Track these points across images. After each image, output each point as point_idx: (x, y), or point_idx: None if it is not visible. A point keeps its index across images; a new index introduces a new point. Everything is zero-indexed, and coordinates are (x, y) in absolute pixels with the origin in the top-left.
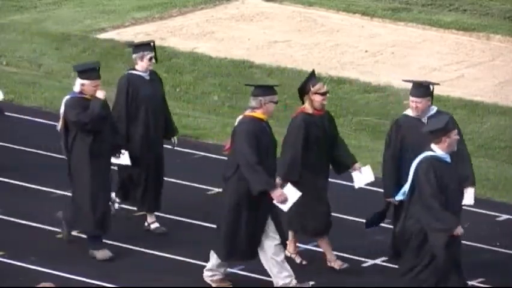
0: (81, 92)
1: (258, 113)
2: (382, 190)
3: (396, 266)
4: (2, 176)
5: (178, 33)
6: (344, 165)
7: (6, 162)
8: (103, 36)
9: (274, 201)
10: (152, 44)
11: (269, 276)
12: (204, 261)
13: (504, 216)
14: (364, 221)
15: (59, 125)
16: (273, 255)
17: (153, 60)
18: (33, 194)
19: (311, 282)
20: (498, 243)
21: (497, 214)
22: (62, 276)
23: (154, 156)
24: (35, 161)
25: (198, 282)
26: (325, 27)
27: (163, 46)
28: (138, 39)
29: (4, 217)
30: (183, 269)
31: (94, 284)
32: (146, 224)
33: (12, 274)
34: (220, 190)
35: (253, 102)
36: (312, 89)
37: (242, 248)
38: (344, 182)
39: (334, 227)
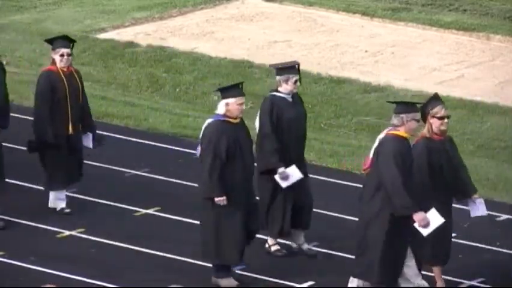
0: (226, 115)
1: (401, 132)
2: None
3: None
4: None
5: (178, 33)
6: (465, 193)
7: (7, 162)
8: (103, 36)
9: (416, 224)
10: (297, 66)
11: (269, 276)
12: (204, 261)
13: (504, 216)
14: None
15: (198, 152)
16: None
17: (298, 83)
18: (34, 194)
19: (311, 282)
20: (498, 243)
21: (497, 214)
22: (62, 276)
23: (303, 179)
24: (35, 161)
25: (198, 282)
26: (325, 27)
27: (163, 46)
28: (138, 39)
29: (4, 217)
30: (183, 269)
31: (94, 284)
32: None
33: (12, 274)
34: None
35: (395, 120)
36: (430, 111)
37: (398, 271)
38: (345, 183)
39: (335, 228)
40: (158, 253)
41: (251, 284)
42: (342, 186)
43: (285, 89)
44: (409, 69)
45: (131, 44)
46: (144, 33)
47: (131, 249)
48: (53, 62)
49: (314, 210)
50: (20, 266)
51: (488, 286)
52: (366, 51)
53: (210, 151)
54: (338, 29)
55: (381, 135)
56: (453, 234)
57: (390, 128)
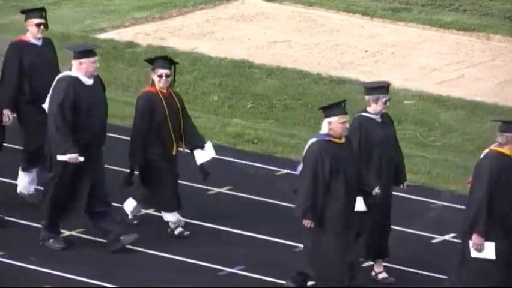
0: (329, 134)
1: (505, 149)
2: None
3: (396, 266)
4: (2, 176)
5: (178, 33)
6: None
7: (7, 162)
8: (103, 36)
9: (470, 244)
10: (387, 86)
11: (269, 276)
12: (204, 261)
13: None
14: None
15: (299, 170)
16: None
17: (388, 103)
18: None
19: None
20: None
21: None
22: (62, 276)
23: (385, 201)
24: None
25: (198, 282)
26: (325, 27)
27: (163, 46)
28: (138, 39)
29: (4, 217)
30: (183, 269)
31: (94, 284)
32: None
33: (12, 274)
34: (221, 190)
35: (499, 138)
36: None
37: None
38: None
39: None
40: (158, 253)
41: (251, 284)
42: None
43: (374, 109)
44: (409, 69)
45: (131, 44)
46: (144, 33)
47: (132, 249)
48: (153, 83)
49: None
50: (20, 266)
51: (488, 286)
52: (366, 51)
53: (310, 172)
54: (338, 29)
55: (486, 151)
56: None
57: (496, 143)
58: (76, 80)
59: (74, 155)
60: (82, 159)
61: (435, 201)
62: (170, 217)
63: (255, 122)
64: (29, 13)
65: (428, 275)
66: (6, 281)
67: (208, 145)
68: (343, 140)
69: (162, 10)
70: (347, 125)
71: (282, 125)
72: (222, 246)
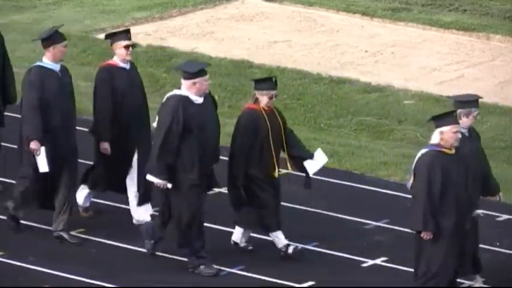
0: (440, 145)
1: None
2: (382, 190)
3: (396, 266)
4: (2, 176)
5: (178, 33)
6: None
7: (7, 162)
8: (103, 36)
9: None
10: (477, 99)
11: (269, 276)
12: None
13: (504, 216)
14: (363, 220)
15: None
16: None
17: (477, 117)
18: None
19: (311, 282)
20: (498, 243)
21: (497, 214)
22: (62, 276)
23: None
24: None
25: (198, 282)
26: (325, 27)
27: (163, 46)
28: (138, 39)
29: (4, 217)
30: (183, 269)
31: (94, 284)
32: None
33: (12, 274)
34: (221, 190)
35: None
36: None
37: None
38: (345, 183)
39: (334, 227)
40: (158, 253)
41: (251, 284)
42: (342, 186)
43: (465, 122)
44: (409, 69)
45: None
46: (144, 33)
47: (131, 249)
48: (256, 101)
49: (315, 210)
50: (20, 266)
51: (488, 286)
52: (366, 51)
53: (423, 185)
54: (338, 29)
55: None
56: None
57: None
58: (185, 98)
59: (162, 182)
60: (169, 186)
61: None
62: (274, 237)
63: None
64: (115, 36)
65: None
66: (6, 281)
67: (318, 152)
68: (453, 151)
69: (162, 10)
70: (459, 135)
71: None
72: (222, 246)
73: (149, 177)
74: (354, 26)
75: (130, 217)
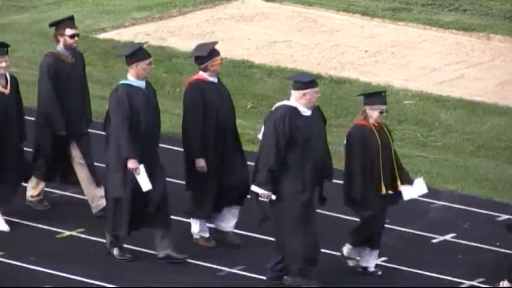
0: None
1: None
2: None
3: (396, 266)
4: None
5: (178, 33)
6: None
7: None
8: (103, 36)
9: None
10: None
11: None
12: (204, 261)
13: (504, 216)
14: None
15: None
16: None
17: None
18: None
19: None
20: (498, 243)
21: (497, 214)
22: (62, 276)
23: None
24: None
25: (198, 282)
26: (325, 27)
27: (163, 46)
28: (138, 40)
29: (4, 217)
30: (183, 269)
31: (94, 284)
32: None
33: (12, 274)
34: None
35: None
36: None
37: None
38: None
39: (334, 227)
40: (158, 254)
41: (251, 284)
42: (342, 186)
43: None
44: (409, 69)
45: (131, 44)
46: (144, 33)
47: (131, 249)
48: (366, 116)
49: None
50: (20, 266)
51: (488, 286)
52: (366, 51)
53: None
54: (338, 29)
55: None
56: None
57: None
58: (293, 110)
59: (267, 193)
60: (274, 197)
61: (435, 201)
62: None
63: (255, 122)
64: (212, 52)
65: (428, 275)
66: (6, 281)
67: (419, 181)
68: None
69: (162, 10)
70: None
71: None
72: (222, 246)
73: (254, 188)
74: (354, 26)
75: None
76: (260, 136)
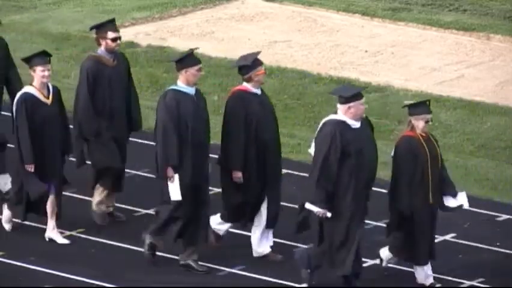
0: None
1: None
2: (382, 190)
3: (396, 266)
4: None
5: (178, 33)
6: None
7: (6, 162)
8: None
9: None
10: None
11: (269, 276)
12: (204, 261)
13: (504, 216)
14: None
15: None
16: None
17: None
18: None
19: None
20: (498, 243)
21: (497, 214)
22: (62, 276)
23: None
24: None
25: (198, 282)
26: (325, 27)
27: (163, 46)
28: (138, 40)
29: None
30: (183, 269)
31: (94, 284)
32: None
33: (12, 274)
34: (221, 190)
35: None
36: None
37: None
38: None
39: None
40: (158, 253)
41: (251, 284)
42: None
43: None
44: (409, 69)
45: (131, 44)
46: (144, 33)
47: (131, 249)
48: (412, 127)
49: None
50: (20, 266)
51: (488, 286)
52: (366, 51)
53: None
54: (338, 29)
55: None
56: (452, 234)
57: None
58: (342, 123)
59: (322, 210)
60: (329, 215)
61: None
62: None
63: None
64: (256, 62)
65: None
66: (6, 281)
67: (462, 195)
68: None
69: (162, 10)
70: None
71: (282, 125)
72: (222, 246)
73: (308, 206)
74: (354, 26)
75: (130, 217)
76: (311, 151)
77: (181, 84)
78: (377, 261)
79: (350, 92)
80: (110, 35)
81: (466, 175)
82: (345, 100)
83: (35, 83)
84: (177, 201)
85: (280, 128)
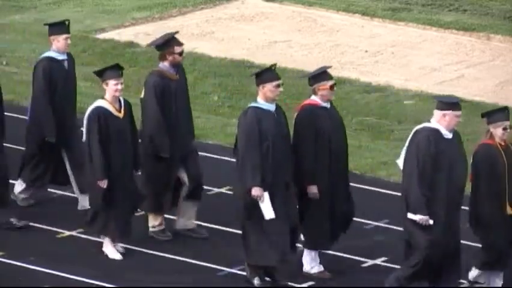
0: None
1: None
2: (382, 190)
3: (396, 266)
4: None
5: (178, 33)
6: None
7: (6, 162)
8: (103, 36)
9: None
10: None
11: (269, 276)
12: (204, 261)
13: None
14: (363, 220)
15: None
16: None
17: None
18: (33, 193)
19: (311, 282)
20: None
21: None
22: (62, 276)
23: None
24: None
25: (198, 282)
26: (325, 27)
27: None
28: (138, 39)
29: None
30: (184, 269)
31: (94, 284)
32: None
33: (12, 274)
34: (221, 190)
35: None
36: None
37: None
38: None
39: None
40: (158, 253)
41: (251, 284)
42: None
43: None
44: (409, 69)
45: (131, 44)
46: (144, 33)
47: (132, 249)
48: (490, 136)
49: None
50: (20, 266)
51: (488, 286)
52: (366, 51)
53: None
54: (338, 29)
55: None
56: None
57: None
58: (436, 132)
59: (425, 217)
60: (431, 222)
61: None
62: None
63: None
64: (320, 76)
65: None
66: (6, 281)
67: None
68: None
69: (162, 10)
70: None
71: None
72: (222, 246)
73: (410, 215)
74: (354, 26)
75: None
76: (399, 162)
77: (261, 101)
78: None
79: (450, 100)
80: (177, 49)
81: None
82: (442, 107)
83: (107, 97)
84: (270, 219)
85: None
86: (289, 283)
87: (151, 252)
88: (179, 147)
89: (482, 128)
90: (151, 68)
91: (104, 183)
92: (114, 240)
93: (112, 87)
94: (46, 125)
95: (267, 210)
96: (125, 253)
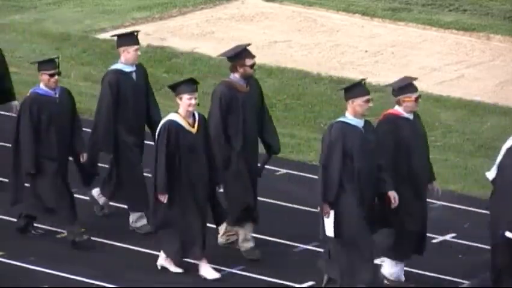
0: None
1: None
2: None
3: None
4: (1, 176)
5: (178, 33)
6: None
7: (6, 161)
8: (103, 36)
9: None
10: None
11: (269, 276)
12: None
13: None
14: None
15: None
16: None
17: None
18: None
19: (311, 282)
20: None
21: None
22: (62, 276)
23: None
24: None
25: (198, 282)
26: (325, 27)
27: (163, 46)
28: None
29: (4, 217)
30: (183, 269)
31: (94, 284)
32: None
33: (12, 274)
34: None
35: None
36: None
37: None
38: None
39: None
40: (158, 253)
41: (251, 284)
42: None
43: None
44: (409, 69)
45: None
46: (144, 33)
47: (131, 249)
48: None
49: (314, 210)
50: (20, 266)
51: (488, 286)
52: (366, 51)
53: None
54: (338, 29)
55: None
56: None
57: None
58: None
59: None
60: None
61: (435, 202)
62: None
63: None
64: (406, 87)
65: (429, 275)
66: (6, 281)
67: None
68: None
69: (162, 10)
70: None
71: (282, 125)
72: (222, 246)
73: (508, 234)
74: (354, 26)
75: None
76: (489, 175)
77: (349, 116)
78: None
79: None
80: (248, 62)
81: (466, 175)
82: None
83: (181, 111)
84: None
85: (280, 128)
86: (289, 283)
87: (151, 252)
88: (247, 160)
89: (482, 128)
90: (150, 68)
91: (164, 198)
92: (175, 263)
93: (185, 101)
94: (104, 139)
95: (329, 228)
96: (125, 253)
